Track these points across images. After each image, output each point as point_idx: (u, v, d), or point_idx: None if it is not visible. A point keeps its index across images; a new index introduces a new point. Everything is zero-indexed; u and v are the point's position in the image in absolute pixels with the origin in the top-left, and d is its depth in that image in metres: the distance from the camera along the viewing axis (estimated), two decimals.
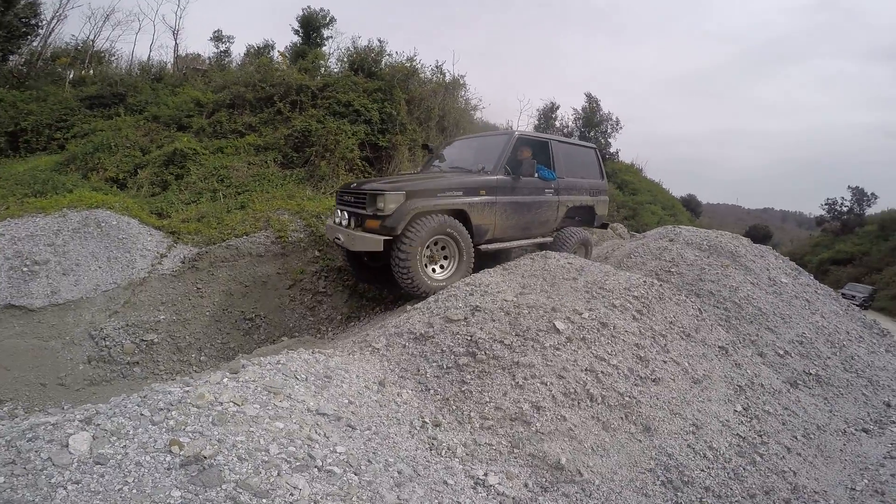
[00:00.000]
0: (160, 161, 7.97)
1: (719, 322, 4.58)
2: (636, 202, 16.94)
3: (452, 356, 3.14)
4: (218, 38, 20.04)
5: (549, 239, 5.54)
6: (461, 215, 4.50)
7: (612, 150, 20.38)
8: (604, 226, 6.45)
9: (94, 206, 5.53)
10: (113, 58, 19.73)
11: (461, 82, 14.69)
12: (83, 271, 4.91)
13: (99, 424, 1.90)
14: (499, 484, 2.52)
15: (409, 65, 14.69)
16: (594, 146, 6.54)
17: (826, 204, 38.77)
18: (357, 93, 11.98)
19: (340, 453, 2.19)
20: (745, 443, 3.08)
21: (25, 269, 4.83)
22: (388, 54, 15.29)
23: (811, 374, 4.34)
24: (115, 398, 2.25)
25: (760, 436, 3.18)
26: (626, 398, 2.97)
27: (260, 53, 18.04)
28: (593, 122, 19.80)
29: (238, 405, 2.16)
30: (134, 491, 1.64)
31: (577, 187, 5.76)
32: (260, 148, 9.06)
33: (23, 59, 16.55)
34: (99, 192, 6.35)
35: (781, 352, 4.48)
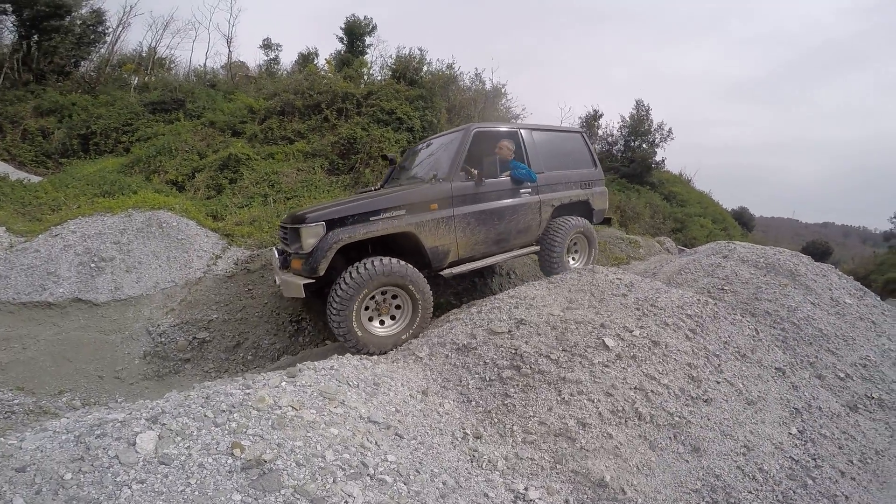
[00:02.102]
0: (216, 165, 8.39)
1: (776, 343, 4.34)
2: (684, 214, 16.27)
3: (496, 369, 3.13)
4: (267, 45, 20.84)
5: (537, 248, 4.79)
6: (409, 239, 3.78)
7: (657, 158, 19.68)
8: (606, 221, 5.68)
9: (156, 208, 5.89)
10: (173, 64, 20.93)
11: (502, 90, 14.70)
12: (145, 269, 5.23)
13: (165, 424, 1.95)
14: (539, 499, 2.47)
15: (448, 72, 14.85)
16: (580, 130, 5.75)
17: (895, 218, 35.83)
18: (399, 100, 12.21)
19: (391, 462, 2.22)
20: (798, 466, 2.91)
21: (93, 265, 5.19)
22: (429, 62, 15.52)
23: (873, 398, 4.03)
24: (177, 396, 2.36)
25: (814, 459, 3.00)
26: (676, 418, 2.87)
27: (306, 61, 18.68)
28: (640, 130, 19.21)
29: (296, 409, 2.22)
30: (196, 493, 1.66)
31: (562, 181, 4.92)
32: (308, 154, 9.37)
33: (93, 65, 17.86)
34: (161, 194, 6.76)
35: (842, 375, 4.19)
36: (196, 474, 1.72)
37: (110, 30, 18.59)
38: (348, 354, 3.40)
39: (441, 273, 4.01)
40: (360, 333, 3.51)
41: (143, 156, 8.99)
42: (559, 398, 2.88)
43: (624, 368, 3.00)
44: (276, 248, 4.30)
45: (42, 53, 15.20)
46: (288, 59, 20.10)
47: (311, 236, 3.50)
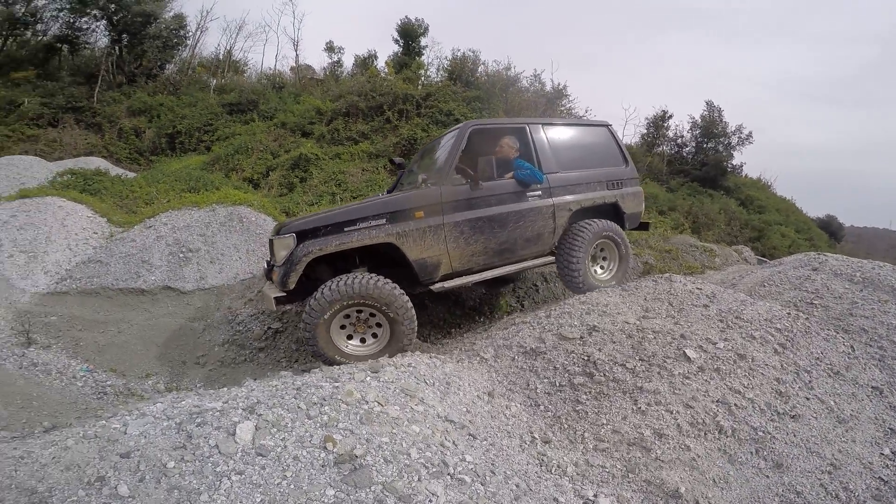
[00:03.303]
0: (287, 164, 8.87)
1: (873, 361, 3.96)
2: (763, 222, 15.08)
3: (566, 374, 3.07)
4: (330, 48, 21.58)
5: (551, 258, 4.25)
6: (391, 250, 3.50)
7: (735, 162, 18.44)
8: (642, 226, 4.96)
9: (237, 203, 6.30)
10: (246, 67, 22.32)
11: (563, 91, 14.41)
12: (227, 260, 5.61)
13: (261, 414, 1.98)
14: None
15: (505, 74, 14.75)
16: (606, 123, 4.94)
17: None
18: (457, 101, 12.29)
19: (469, 462, 2.23)
20: (887, 487, 2.67)
21: (181, 255, 5.63)
22: (483, 63, 15.50)
23: None
24: (264, 385, 2.48)
25: None
26: (760, 433, 2.72)
27: (366, 64, 19.26)
28: (713, 132, 18.11)
29: (381, 405, 2.27)
30: (292, 486, 1.67)
31: (582, 182, 4.32)
32: (372, 155, 9.69)
33: (176, 68, 19.41)
34: (240, 191, 7.23)
35: None
36: (291, 467, 1.74)
37: (191, 34, 20.17)
38: (417, 353, 3.46)
39: (431, 288, 3.66)
40: (330, 353, 3.32)
41: (222, 154, 9.68)
42: (635, 407, 2.79)
43: (706, 381, 2.86)
44: (266, 260, 4.18)
45: (132, 57, 16.74)
46: (350, 61, 20.78)
47: (282, 248, 3.37)
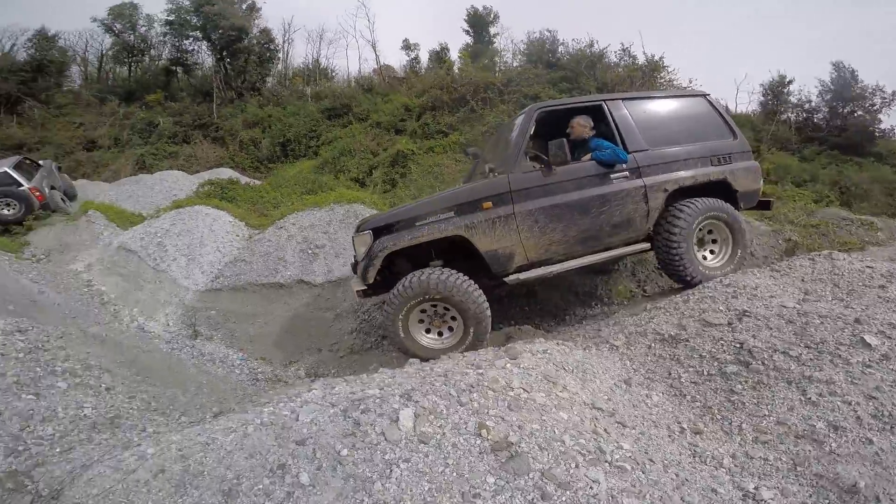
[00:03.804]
0: (387, 162, 9.34)
1: None
2: None
3: (716, 363, 2.91)
4: (407, 46, 22.02)
5: (646, 245, 3.90)
6: (465, 242, 3.46)
7: (882, 126, 15.82)
8: (763, 205, 4.39)
9: (352, 201, 6.78)
10: (333, 73, 23.65)
11: (660, 63, 13.33)
12: (349, 254, 6.07)
13: (417, 401, 2.04)
14: (772, 499, 2.26)
15: (588, 51, 14.00)
16: (703, 93, 4.46)
17: None
18: (541, 84, 11.98)
19: (626, 450, 2.22)
20: None
21: (310, 251, 6.21)
22: (563, 42, 14.85)
23: None
24: (410, 371, 2.62)
25: None
26: None
27: (440, 57, 19.44)
28: (850, 95, 15.69)
29: (527, 392, 2.32)
30: (454, 474, 1.68)
31: (679, 158, 3.92)
32: (463, 145, 9.83)
33: (275, 81, 21.15)
34: (350, 190, 7.78)
35: None
36: (452, 454, 1.76)
37: (279, 47, 21.80)
38: (540, 339, 3.48)
39: (506, 280, 3.59)
40: (409, 346, 3.47)
41: (329, 157, 10.46)
42: (803, 398, 2.57)
43: (893, 370, 2.54)
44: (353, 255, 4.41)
45: (236, 73, 18.56)
46: (426, 56, 21.11)
47: (361, 244, 3.57)
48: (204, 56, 20.78)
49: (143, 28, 20.84)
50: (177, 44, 20.20)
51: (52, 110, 16.70)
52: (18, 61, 19.35)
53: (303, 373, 5.02)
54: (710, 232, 4.09)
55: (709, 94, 4.40)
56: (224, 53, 18.69)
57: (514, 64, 15.28)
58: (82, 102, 17.23)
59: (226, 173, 10.65)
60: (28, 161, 8.59)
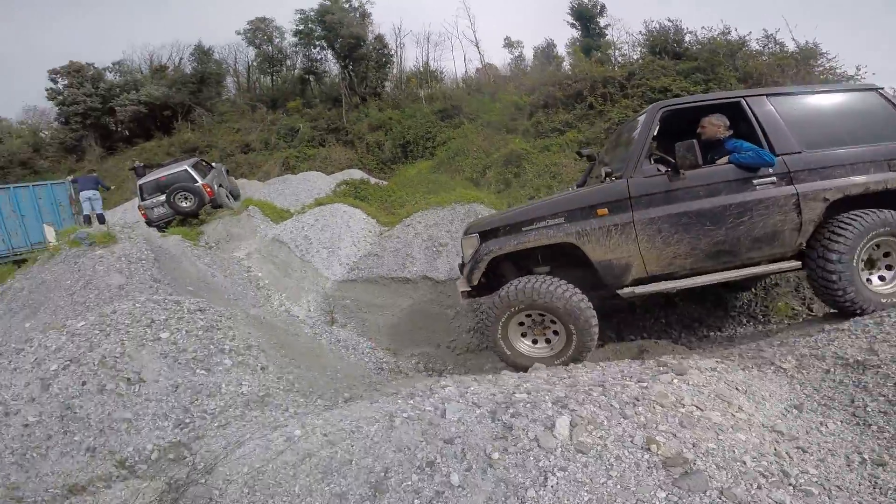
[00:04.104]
0: (500, 162, 9.46)
1: None
2: None
3: None
4: (509, 44, 21.84)
5: (795, 263, 3.39)
6: (575, 248, 3.28)
7: None
8: None
9: (471, 201, 6.99)
10: (442, 75, 24.38)
11: (816, 50, 11.52)
12: None
13: (574, 410, 2.01)
14: None
15: (723, 39, 12.65)
16: (873, 86, 3.79)
17: None
18: (670, 76, 11.13)
19: (812, 474, 2.06)
20: None
21: (434, 249, 6.53)
22: (690, 31, 13.66)
23: None
24: (542, 376, 2.62)
25: None
26: None
27: (546, 53, 18.95)
28: None
29: (700, 410, 2.22)
30: (618, 487, 1.64)
31: (843, 163, 3.32)
32: (582, 143, 9.55)
33: (392, 85, 22.44)
34: (468, 190, 8.03)
35: None
36: (615, 466, 1.71)
37: (393, 51, 23.03)
38: (695, 357, 3.31)
39: (619, 293, 3.34)
40: (505, 352, 3.46)
41: (444, 158, 10.88)
42: None
43: None
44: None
45: (358, 79, 20.05)
46: (530, 53, 20.78)
47: (468, 247, 3.61)
48: (330, 64, 22.85)
49: (277, 40, 23.51)
50: (307, 53, 22.47)
51: (216, 117, 19.80)
52: (186, 74, 23.12)
53: (421, 366, 5.27)
54: (886, 255, 3.45)
55: (881, 88, 3.76)
56: (347, 60, 20.38)
57: (635, 56, 14.38)
58: (238, 110, 20.14)
59: (356, 174, 11.66)
60: (203, 162, 10.26)
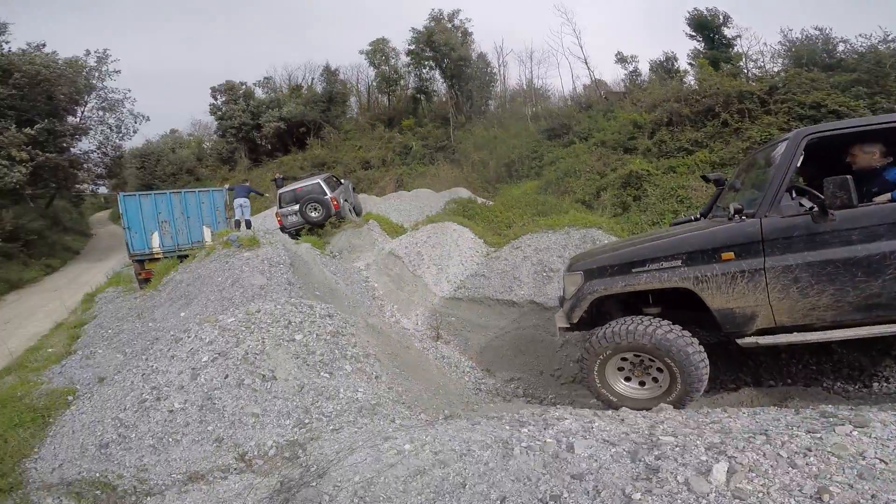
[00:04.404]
0: (617, 183, 9.00)
1: None
2: None
3: None
4: (622, 59, 20.62)
5: None
6: (689, 296, 2.99)
7: None
8: None
9: (588, 226, 6.75)
10: (548, 92, 24.05)
11: None
12: None
13: (733, 457, 1.93)
14: None
15: (885, 48, 10.72)
16: None
17: None
18: (823, 90, 9.74)
19: None
20: None
21: (544, 274, 6.40)
22: (843, 40, 11.87)
23: None
24: (678, 418, 2.37)
25: None
26: None
27: (666, 67, 17.70)
28: None
29: (885, 463, 1.94)
30: None
31: None
32: (715, 164, 8.73)
33: (496, 104, 22.74)
34: (585, 214, 7.77)
35: None
36: None
37: (495, 70, 23.26)
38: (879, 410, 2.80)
39: (740, 342, 2.99)
40: (602, 391, 3.29)
41: (552, 178, 10.68)
42: None
43: None
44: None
45: (465, 98, 20.66)
46: (646, 67, 19.46)
47: (571, 284, 3.45)
48: (438, 84, 23.93)
49: (393, 60, 25.24)
50: (417, 73, 23.79)
51: (342, 134, 21.89)
52: (318, 93, 25.88)
53: (520, 391, 5.15)
54: None
55: None
56: (453, 80, 21.16)
57: (775, 69, 12.87)
58: (360, 128, 22.02)
59: (463, 192, 12.00)
60: (334, 178, 11.36)
